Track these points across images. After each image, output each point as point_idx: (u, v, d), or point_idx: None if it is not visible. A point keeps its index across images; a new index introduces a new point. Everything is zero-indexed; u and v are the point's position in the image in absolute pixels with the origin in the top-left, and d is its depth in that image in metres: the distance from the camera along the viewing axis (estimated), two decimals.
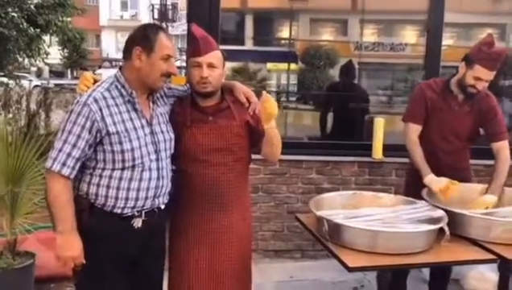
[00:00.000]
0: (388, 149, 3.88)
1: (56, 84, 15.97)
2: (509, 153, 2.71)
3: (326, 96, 5.21)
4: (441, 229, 2.10)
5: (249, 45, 7.01)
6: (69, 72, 33.21)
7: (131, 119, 1.85)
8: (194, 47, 2.04)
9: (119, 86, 1.86)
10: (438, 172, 2.61)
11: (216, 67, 2.02)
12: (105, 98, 1.81)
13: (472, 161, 2.95)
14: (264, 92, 2.04)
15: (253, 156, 2.23)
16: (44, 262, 3.02)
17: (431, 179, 2.57)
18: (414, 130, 2.77)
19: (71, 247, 1.77)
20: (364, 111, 4.62)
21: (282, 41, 6.10)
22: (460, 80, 2.69)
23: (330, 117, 4.62)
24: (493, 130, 2.75)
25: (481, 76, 2.58)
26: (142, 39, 1.84)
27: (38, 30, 11.29)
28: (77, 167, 1.78)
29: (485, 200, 2.51)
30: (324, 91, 5.83)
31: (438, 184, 2.53)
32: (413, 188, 2.69)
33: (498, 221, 2.21)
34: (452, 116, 2.73)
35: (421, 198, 2.45)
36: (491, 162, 2.76)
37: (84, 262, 1.80)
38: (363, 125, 4.54)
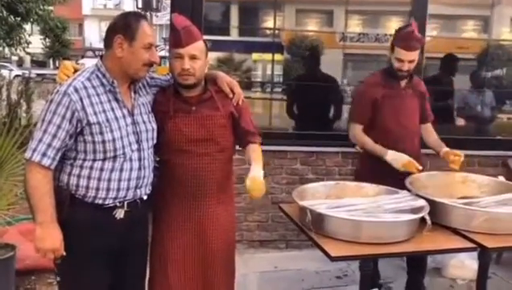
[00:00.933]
0: None
1: (38, 74, 15.72)
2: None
3: (310, 86, 5.20)
4: (423, 219, 2.13)
5: (234, 35, 6.97)
6: (51, 61, 32.68)
7: (112, 109, 1.82)
8: (175, 38, 2.00)
9: (100, 75, 1.83)
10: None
11: (198, 58, 2.00)
12: (85, 88, 1.78)
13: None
14: (254, 176, 1.89)
15: (238, 147, 2.22)
16: (25, 254, 2.98)
17: (393, 154, 2.67)
18: (359, 129, 2.89)
19: (50, 239, 1.74)
20: (348, 102, 4.62)
21: (268, 31, 6.07)
22: (390, 66, 2.83)
23: (313, 107, 4.61)
24: (427, 113, 3.00)
25: (401, 58, 2.72)
26: (123, 27, 1.81)
27: (18, 18, 11.05)
28: (58, 157, 1.75)
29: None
30: (308, 81, 5.82)
31: (399, 160, 2.63)
32: (364, 177, 2.69)
33: (479, 211, 2.24)
34: (402, 100, 2.86)
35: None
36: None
37: (65, 253, 1.77)
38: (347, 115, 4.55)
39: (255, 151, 2.09)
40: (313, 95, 4.48)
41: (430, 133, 3.01)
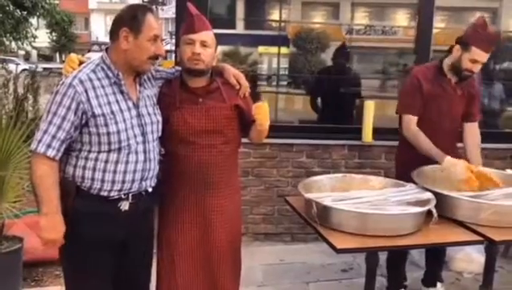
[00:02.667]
0: (378, 132, 3.88)
1: (45, 68, 15.74)
2: (479, 132, 2.82)
3: (317, 79, 5.18)
4: (429, 212, 2.11)
5: (240, 29, 6.94)
6: (58, 55, 32.79)
7: (117, 101, 1.82)
8: (188, 24, 2.02)
9: (105, 68, 1.83)
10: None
11: (208, 46, 2.02)
12: (90, 80, 1.78)
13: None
14: (261, 102, 1.99)
15: (243, 140, 2.22)
16: (32, 246, 2.99)
17: (449, 161, 2.44)
18: (414, 121, 2.67)
19: (54, 229, 1.75)
20: (354, 95, 4.61)
21: (274, 24, 6.05)
22: (454, 64, 2.63)
23: (320, 100, 4.60)
24: (472, 111, 2.79)
25: (478, 59, 2.54)
26: (129, 19, 1.80)
27: (24, 12, 11.08)
28: (62, 149, 1.75)
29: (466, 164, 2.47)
30: (315, 74, 5.80)
31: (460, 171, 2.38)
32: (405, 178, 2.57)
33: (487, 204, 2.22)
34: (448, 101, 2.70)
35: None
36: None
37: (64, 242, 1.79)
38: (353, 108, 4.54)
39: None
40: (338, 88, 4.47)
41: (472, 138, 2.77)
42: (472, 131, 2.80)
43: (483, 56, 2.53)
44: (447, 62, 2.68)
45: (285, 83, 6.43)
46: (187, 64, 2.03)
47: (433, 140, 2.61)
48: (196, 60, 2.00)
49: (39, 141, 1.72)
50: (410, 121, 2.68)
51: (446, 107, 2.71)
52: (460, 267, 3.44)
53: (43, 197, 1.74)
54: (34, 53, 28.65)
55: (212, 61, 2.07)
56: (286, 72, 6.52)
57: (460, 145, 2.86)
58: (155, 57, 1.87)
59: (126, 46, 1.80)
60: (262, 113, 1.95)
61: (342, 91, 4.66)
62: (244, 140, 2.23)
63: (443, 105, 2.70)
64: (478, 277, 3.10)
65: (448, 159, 2.47)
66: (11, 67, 10.31)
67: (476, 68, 2.58)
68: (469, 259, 3.39)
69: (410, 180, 2.46)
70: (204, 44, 2.00)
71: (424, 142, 2.60)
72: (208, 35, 2.03)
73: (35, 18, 12.04)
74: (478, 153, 2.74)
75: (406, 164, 2.66)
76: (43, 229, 1.75)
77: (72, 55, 2.04)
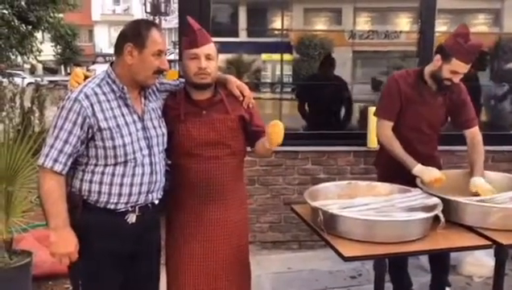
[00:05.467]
0: None
1: (50, 81, 15.91)
2: (481, 136, 2.75)
3: (320, 86, 5.19)
4: (436, 217, 2.11)
5: (243, 37, 6.98)
6: (63, 68, 33.05)
7: (123, 115, 1.84)
8: (191, 39, 2.03)
9: (110, 82, 1.85)
10: (412, 153, 2.60)
11: (212, 59, 2.03)
12: (96, 94, 1.80)
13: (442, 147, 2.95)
14: (276, 121, 1.87)
15: (248, 148, 2.22)
16: (42, 260, 3.02)
17: (421, 169, 2.52)
18: (388, 126, 2.70)
19: (64, 243, 1.76)
20: (358, 100, 4.61)
21: (277, 32, 6.07)
22: (434, 73, 2.61)
23: (325, 107, 4.60)
24: (466, 117, 2.74)
25: (458, 70, 2.53)
26: (133, 35, 1.83)
27: (29, 27, 11.18)
28: (69, 163, 1.77)
29: (487, 187, 2.48)
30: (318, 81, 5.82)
31: (429, 174, 2.48)
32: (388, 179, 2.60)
33: (494, 208, 2.21)
34: (427, 108, 2.69)
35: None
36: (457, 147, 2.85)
37: (78, 257, 1.79)
38: (358, 114, 4.54)
39: None
40: (325, 94, 4.48)
41: (473, 146, 2.70)
42: (473, 138, 2.73)
43: (463, 68, 2.52)
44: (427, 70, 2.68)
45: (289, 89, 6.45)
46: (193, 79, 2.04)
47: (412, 144, 2.65)
48: (202, 74, 2.01)
49: (46, 156, 1.74)
50: (385, 126, 2.71)
51: (424, 113, 2.69)
52: (470, 271, 3.42)
53: (51, 212, 1.75)
54: (39, 67, 28.92)
55: (217, 73, 2.09)
56: (290, 79, 6.54)
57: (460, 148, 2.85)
58: (160, 71, 1.88)
59: (131, 61, 1.82)
60: (277, 132, 1.85)
61: (346, 96, 4.67)
62: (249, 149, 2.23)
63: (421, 111, 2.69)
64: (488, 281, 3.08)
65: (418, 167, 2.52)
66: (17, 81, 10.43)
67: (457, 78, 2.56)
68: (479, 263, 3.36)
69: (391, 180, 2.50)
70: (208, 57, 2.01)
71: (398, 149, 2.63)
72: (211, 48, 2.04)
73: (40, 32, 12.15)
74: (480, 162, 2.64)
75: (386, 164, 2.70)
76: (54, 245, 1.76)
77: (78, 69, 2.06)
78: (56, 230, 1.75)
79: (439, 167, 2.66)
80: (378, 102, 2.85)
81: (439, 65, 2.57)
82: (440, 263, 3.02)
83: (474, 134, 2.73)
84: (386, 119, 2.71)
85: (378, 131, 2.76)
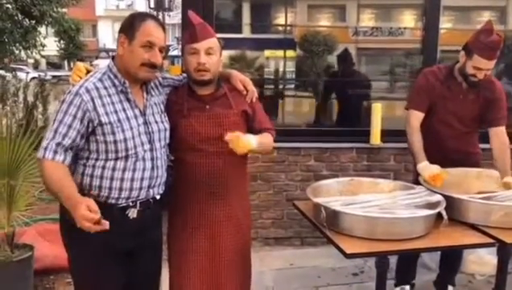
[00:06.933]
0: (386, 134, 3.87)
1: (54, 76, 15.93)
2: (507, 137, 2.71)
3: (323, 82, 5.18)
4: (440, 214, 2.09)
5: (246, 33, 6.94)
6: (66, 63, 33.08)
7: (124, 109, 1.83)
8: (191, 34, 2.01)
9: (112, 76, 1.84)
10: (443, 158, 2.61)
11: (213, 54, 2.00)
12: (97, 88, 1.79)
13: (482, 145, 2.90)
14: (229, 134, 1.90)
15: None
16: (43, 254, 3.03)
17: (424, 166, 2.55)
18: (417, 117, 2.74)
19: (86, 213, 1.58)
20: (362, 97, 4.59)
21: (280, 28, 6.05)
22: (461, 69, 2.66)
23: (328, 103, 4.59)
24: (494, 116, 2.72)
25: (480, 66, 2.55)
26: (126, 26, 1.82)
27: (33, 21, 11.18)
28: (69, 157, 1.76)
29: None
30: (321, 78, 5.79)
31: (428, 171, 2.50)
32: None
33: (497, 206, 2.19)
34: (457, 104, 2.71)
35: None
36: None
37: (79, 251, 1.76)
38: (361, 111, 4.52)
39: (264, 135, 2.09)
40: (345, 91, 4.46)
41: (498, 144, 2.66)
42: (498, 137, 2.69)
43: (485, 64, 2.54)
44: (457, 66, 2.71)
45: (292, 86, 6.42)
46: (193, 76, 2.03)
47: (443, 139, 2.68)
48: (201, 70, 1.99)
49: (45, 148, 1.73)
50: (414, 116, 2.75)
51: (453, 108, 2.71)
52: (472, 269, 3.41)
53: (60, 193, 1.67)
54: (43, 61, 28.95)
55: (218, 68, 2.07)
56: (293, 76, 6.51)
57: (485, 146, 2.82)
58: (150, 65, 1.82)
59: (122, 52, 1.82)
60: (236, 144, 1.88)
61: (350, 93, 4.64)
62: None
63: (450, 107, 2.72)
64: (491, 279, 3.07)
65: (423, 163, 2.56)
66: (21, 75, 10.44)
67: (481, 74, 2.57)
68: (481, 261, 3.35)
69: None
70: (208, 52, 1.99)
71: (416, 143, 2.67)
72: (211, 42, 2.01)
73: (44, 26, 12.14)
74: (506, 160, 2.61)
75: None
76: (79, 219, 1.59)
77: (79, 64, 2.05)
78: (74, 208, 1.61)
79: (477, 165, 2.71)
80: (410, 96, 2.92)
81: (464, 61, 2.61)
82: (451, 261, 3.02)
83: (498, 132, 2.69)
84: (415, 109, 2.75)
85: (407, 120, 2.77)
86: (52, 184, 1.70)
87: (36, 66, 28.85)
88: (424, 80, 2.77)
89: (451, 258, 3.02)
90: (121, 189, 1.81)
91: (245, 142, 1.90)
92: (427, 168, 2.53)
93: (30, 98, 7.17)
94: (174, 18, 24.96)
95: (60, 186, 1.69)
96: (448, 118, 2.74)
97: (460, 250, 2.93)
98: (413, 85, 2.92)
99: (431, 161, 2.57)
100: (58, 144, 1.73)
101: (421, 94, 2.76)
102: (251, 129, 2.12)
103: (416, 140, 2.68)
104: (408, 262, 3.00)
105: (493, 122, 2.72)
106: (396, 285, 3.05)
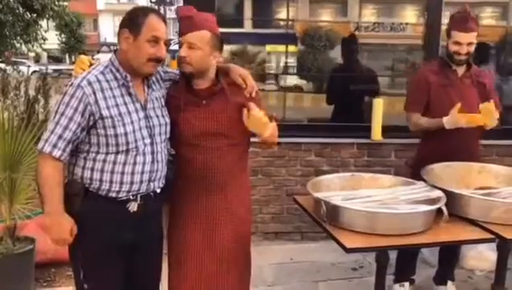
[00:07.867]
0: (387, 130, 3.86)
1: (55, 70, 15.88)
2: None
3: (325, 77, 5.17)
4: (440, 210, 2.10)
5: (248, 27, 6.93)
6: (67, 57, 33.03)
7: (125, 103, 1.83)
8: (179, 27, 2.03)
9: (114, 70, 1.84)
10: (453, 149, 2.67)
11: (196, 48, 1.95)
12: (99, 81, 1.79)
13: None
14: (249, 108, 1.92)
15: (252, 139, 2.20)
16: (44, 247, 3.03)
17: (447, 118, 2.60)
18: (418, 117, 2.83)
19: (57, 228, 1.77)
20: (363, 92, 4.58)
21: (282, 23, 6.03)
22: (447, 53, 2.79)
23: (329, 98, 4.57)
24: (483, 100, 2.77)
25: (459, 40, 2.69)
26: (129, 21, 1.81)
27: (34, 14, 11.16)
28: (68, 149, 1.77)
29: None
30: (323, 72, 5.78)
31: (454, 114, 2.56)
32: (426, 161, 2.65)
33: (498, 202, 2.20)
34: (457, 90, 2.78)
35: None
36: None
37: (79, 244, 1.80)
38: (362, 106, 4.51)
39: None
40: (346, 86, 4.45)
41: None
42: None
43: (463, 37, 2.68)
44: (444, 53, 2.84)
45: (293, 81, 6.42)
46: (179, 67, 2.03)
47: (446, 135, 2.67)
48: (182, 63, 1.98)
49: (46, 141, 1.75)
50: (412, 117, 2.85)
51: (457, 96, 2.74)
52: (472, 265, 3.42)
53: (47, 197, 1.76)
54: (44, 55, 28.89)
55: (205, 63, 2.00)
56: (295, 71, 6.50)
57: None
58: (156, 60, 1.83)
59: (126, 47, 1.81)
60: (252, 122, 1.91)
61: (351, 88, 4.63)
62: (252, 139, 2.20)
63: (454, 95, 2.76)
64: (490, 275, 3.07)
65: (445, 118, 2.62)
66: (22, 69, 10.43)
67: (463, 49, 2.69)
68: (481, 257, 3.36)
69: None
70: (190, 46, 1.96)
71: (425, 120, 2.78)
72: (194, 36, 1.96)
73: (45, 20, 12.12)
74: None
75: (423, 160, 2.69)
76: (48, 229, 1.78)
77: (83, 56, 2.05)
78: (50, 215, 1.76)
79: (477, 159, 2.76)
80: (407, 97, 2.98)
81: (447, 44, 2.78)
82: (449, 257, 3.03)
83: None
84: (414, 112, 2.85)
85: (408, 121, 2.89)
86: (43, 180, 1.77)
87: (37, 60, 28.79)
88: (417, 77, 2.91)
89: (447, 253, 3.03)
90: (121, 183, 1.81)
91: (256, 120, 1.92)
92: (450, 117, 2.58)
93: (32, 92, 7.15)
94: (175, 12, 24.86)
95: (50, 188, 1.76)
96: (453, 105, 2.68)
97: (457, 245, 2.95)
98: (410, 84, 3.01)
99: (437, 157, 2.61)
100: (59, 137, 1.74)
101: (418, 93, 2.85)
102: None
103: (425, 120, 2.77)
104: (408, 258, 3.01)
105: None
106: (396, 281, 3.05)
